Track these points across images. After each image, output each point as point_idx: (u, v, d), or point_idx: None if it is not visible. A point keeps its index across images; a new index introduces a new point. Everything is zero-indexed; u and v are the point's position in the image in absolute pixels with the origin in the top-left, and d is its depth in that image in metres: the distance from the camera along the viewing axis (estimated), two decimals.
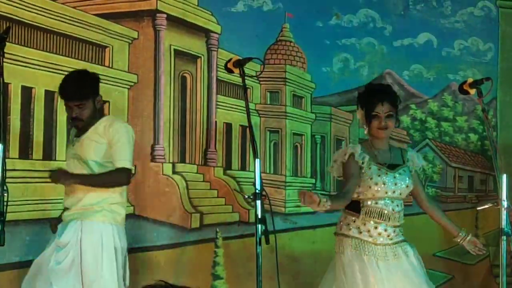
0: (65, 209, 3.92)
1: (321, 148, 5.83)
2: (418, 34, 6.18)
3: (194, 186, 5.15)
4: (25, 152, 4.41)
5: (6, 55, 3.34)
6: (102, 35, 4.80)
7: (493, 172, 3.69)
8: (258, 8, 5.52)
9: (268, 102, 5.61)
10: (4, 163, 3.24)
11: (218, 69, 5.27)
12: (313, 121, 5.79)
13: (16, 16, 4.42)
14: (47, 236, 4.07)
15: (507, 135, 6.35)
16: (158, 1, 5.00)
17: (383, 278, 3.84)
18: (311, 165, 5.77)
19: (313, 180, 5.76)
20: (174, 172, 5.06)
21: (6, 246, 3.30)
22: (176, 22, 5.12)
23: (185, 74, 5.20)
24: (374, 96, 3.93)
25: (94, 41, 4.77)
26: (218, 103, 5.30)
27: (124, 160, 3.82)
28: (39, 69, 4.43)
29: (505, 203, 3.61)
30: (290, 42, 5.68)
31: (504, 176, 3.66)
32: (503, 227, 3.61)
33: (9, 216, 3.28)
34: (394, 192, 3.91)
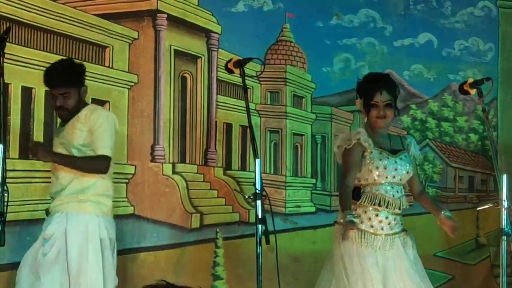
0: (52, 199, 3.92)
1: (322, 148, 5.83)
2: (418, 34, 6.17)
3: (194, 186, 5.15)
4: (25, 152, 4.40)
5: (6, 56, 3.35)
6: (102, 35, 4.80)
7: (494, 172, 3.69)
8: (259, 8, 5.52)
9: (269, 102, 5.61)
10: (4, 163, 3.24)
11: (218, 69, 5.26)
12: (313, 121, 5.78)
13: (16, 16, 4.42)
14: None
15: (507, 135, 6.35)
16: (158, 1, 5.00)
17: (380, 269, 3.85)
18: (311, 165, 5.76)
19: (314, 180, 5.76)
20: (174, 172, 5.06)
21: (6, 246, 3.31)
22: (176, 22, 5.12)
23: (185, 74, 5.20)
24: (373, 85, 3.94)
25: (94, 41, 4.77)
26: (218, 103, 5.30)
27: (104, 148, 3.82)
28: (39, 69, 4.42)
29: (505, 203, 3.61)
30: (291, 42, 5.68)
31: (505, 176, 3.66)
32: (503, 227, 3.61)
33: (9, 216, 3.28)
34: (394, 177, 3.92)
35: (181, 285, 1.89)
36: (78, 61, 3.96)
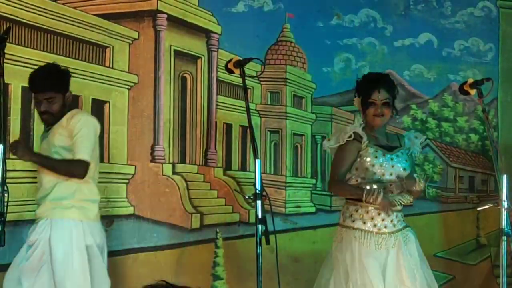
0: (37, 205, 3.92)
1: (322, 148, 5.82)
2: (418, 34, 6.17)
3: (194, 186, 5.15)
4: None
5: (6, 56, 3.36)
6: (102, 35, 4.80)
7: (494, 172, 3.69)
8: (259, 8, 5.52)
9: (269, 103, 5.61)
10: (4, 164, 3.24)
11: (219, 69, 5.26)
12: (313, 122, 5.78)
13: (16, 16, 4.42)
14: None
15: (508, 135, 6.35)
16: (158, 1, 5.00)
17: (382, 267, 3.84)
18: (311, 165, 5.76)
19: (314, 181, 5.76)
20: (174, 173, 5.06)
21: (6, 247, 3.31)
22: (176, 23, 5.12)
23: (185, 75, 5.20)
24: (371, 84, 3.95)
25: (94, 41, 4.77)
26: (218, 103, 5.30)
27: (82, 153, 3.79)
28: None
29: (505, 204, 3.60)
30: (291, 42, 5.68)
31: (505, 177, 3.65)
32: (503, 227, 3.60)
33: (9, 217, 3.29)
34: (391, 174, 3.92)
35: (181, 285, 1.89)
36: (63, 67, 3.95)
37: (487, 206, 3.88)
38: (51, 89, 3.82)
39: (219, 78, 5.29)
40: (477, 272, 6.23)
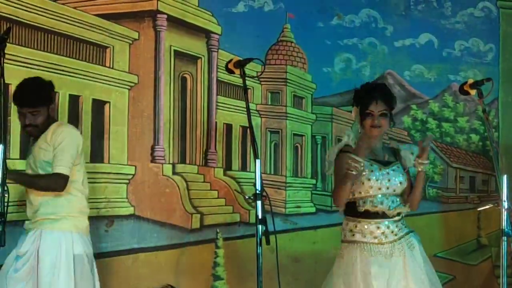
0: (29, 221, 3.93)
1: (322, 148, 5.83)
2: (419, 35, 6.18)
3: (194, 186, 5.15)
4: (25, 152, 4.40)
5: (6, 56, 3.34)
6: (102, 35, 4.80)
7: (495, 172, 3.68)
8: (259, 8, 5.52)
9: (269, 103, 5.61)
10: (4, 164, 3.24)
11: (219, 69, 5.27)
12: (313, 122, 5.78)
13: (16, 16, 4.42)
14: None
15: (508, 135, 6.35)
16: (158, 1, 5.00)
17: (388, 276, 3.83)
18: (311, 165, 5.76)
19: (314, 181, 5.76)
20: (174, 173, 5.06)
21: (6, 247, 3.31)
22: (176, 23, 5.12)
23: (185, 75, 5.20)
24: (369, 94, 3.92)
25: (94, 41, 4.78)
26: (219, 103, 5.30)
27: (60, 166, 3.78)
28: (39, 70, 4.43)
29: (505, 204, 3.60)
30: (291, 42, 5.68)
31: (505, 177, 3.65)
32: (503, 227, 3.60)
33: (9, 217, 3.28)
34: (388, 188, 3.90)
35: None
36: (46, 80, 3.93)
37: (487, 207, 3.88)
38: (35, 105, 3.82)
39: (219, 79, 5.29)
40: (477, 272, 6.23)
